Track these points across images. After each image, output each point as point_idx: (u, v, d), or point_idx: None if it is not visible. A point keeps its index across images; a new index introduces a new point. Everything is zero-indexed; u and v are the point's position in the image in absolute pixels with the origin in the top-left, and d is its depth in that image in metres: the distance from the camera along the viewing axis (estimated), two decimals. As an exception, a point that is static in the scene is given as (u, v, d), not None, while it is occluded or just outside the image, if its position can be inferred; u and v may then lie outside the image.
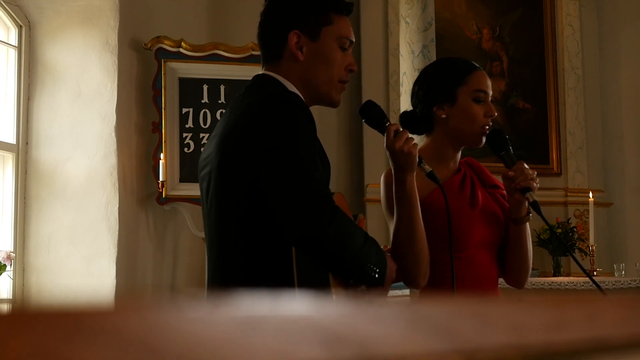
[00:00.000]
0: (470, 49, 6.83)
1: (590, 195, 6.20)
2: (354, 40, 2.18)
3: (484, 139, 2.46)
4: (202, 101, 5.65)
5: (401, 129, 2.21)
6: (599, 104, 7.22)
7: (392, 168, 2.21)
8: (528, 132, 6.99)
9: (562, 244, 6.26)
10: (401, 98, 6.03)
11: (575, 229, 6.67)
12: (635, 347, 0.53)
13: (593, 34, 7.25)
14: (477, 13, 7.01)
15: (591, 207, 6.04)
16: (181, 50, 5.62)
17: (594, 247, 5.96)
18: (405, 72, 6.03)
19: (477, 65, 2.53)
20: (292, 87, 2.07)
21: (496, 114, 2.50)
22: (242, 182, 1.95)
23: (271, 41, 2.13)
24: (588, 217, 6.29)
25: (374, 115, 2.26)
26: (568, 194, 6.94)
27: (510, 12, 7.11)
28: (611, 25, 7.25)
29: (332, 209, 1.90)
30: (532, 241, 6.79)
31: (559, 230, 6.49)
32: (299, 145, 1.93)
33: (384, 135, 2.20)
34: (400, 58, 6.07)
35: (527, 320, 0.46)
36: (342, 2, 2.15)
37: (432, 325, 0.41)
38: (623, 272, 5.96)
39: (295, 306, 0.36)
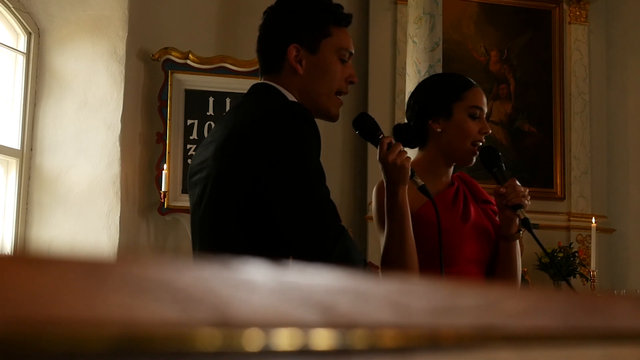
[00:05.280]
0: (478, 70, 6.84)
1: (593, 220, 6.18)
2: (353, 51, 2.16)
3: (474, 159, 2.46)
4: (208, 113, 5.67)
5: (394, 142, 2.21)
6: (605, 130, 7.21)
7: (384, 180, 2.21)
8: (533, 155, 6.99)
9: (555, 265, 6.25)
10: (407, 117, 6.04)
11: (577, 254, 6.65)
12: (534, 340, 0.52)
13: (601, 59, 7.25)
14: (485, 35, 7.03)
15: (593, 233, 6.02)
16: (188, 62, 5.66)
17: (595, 272, 5.94)
18: (411, 92, 6.04)
19: (474, 82, 2.53)
20: (292, 98, 2.06)
21: (490, 131, 2.49)
22: (242, 190, 1.91)
23: (270, 55, 2.11)
24: (590, 243, 6.27)
25: (367, 127, 2.26)
26: (571, 218, 6.92)
27: (519, 35, 7.12)
28: (619, 52, 7.26)
29: (338, 230, 1.87)
30: (533, 265, 6.72)
31: (560, 255, 6.48)
32: (306, 159, 1.90)
33: (377, 147, 2.21)
34: (407, 77, 6.08)
35: (414, 302, 0.46)
36: (341, 13, 2.14)
37: (303, 296, 0.41)
38: (624, 299, 5.93)
39: (151, 266, 0.36)
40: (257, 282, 0.40)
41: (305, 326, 0.40)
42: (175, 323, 0.36)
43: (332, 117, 2.14)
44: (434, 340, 0.45)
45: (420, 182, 2.21)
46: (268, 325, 0.39)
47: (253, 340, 0.38)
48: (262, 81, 2.12)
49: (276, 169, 1.87)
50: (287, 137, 1.89)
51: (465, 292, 0.49)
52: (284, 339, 0.39)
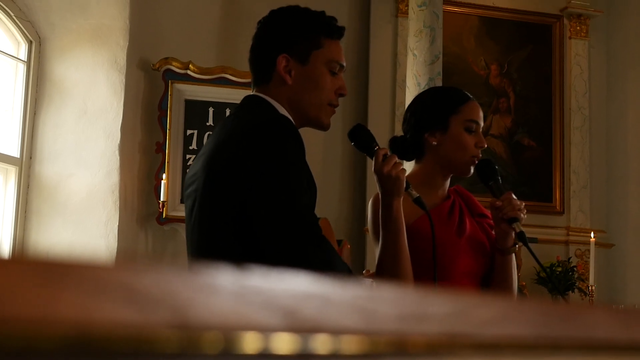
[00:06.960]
0: (478, 84, 6.85)
1: (592, 235, 6.18)
2: (344, 64, 2.16)
3: (472, 169, 2.46)
4: (207, 124, 5.68)
5: (389, 154, 2.21)
6: (605, 145, 7.22)
7: (379, 192, 2.21)
8: (532, 169, 6.99)
9: (552, 280, 6.24)
10: (406, 130, 6.04)
11: (575, 268, 6.65)
12: (504, 348, 0.52)
13: (601, 74, 7.27)
14: (485, 49, 7.04)
15: (592, 247, 6.01)
16: (189, 72, 5.67)
17: (593, 287, 5.93)
18: (410, 104, 6.04)
19: (471, 96, 2.53)
20: (282, 109, 2.06)
21: (486, 145, 2.50)
22: (228, 202, 1.92)
23: (261, 64, 2.11)
24: (589, 257, 6.26)
25: (363, 138, 2.26)
26: (570, 233, 6.92)
27: (519, 49, 7.13)
28: (619, 67, 7.27)
29: (316, 238, 1.87)
30: (532, 279, 6.70)
31: (559, 269, 6.47)
32: (288, 171, 1.91)
33: (372, 159, 2.21)
34: (407, 90, 6.09)
35: (381, 308, 0.46)
36: (334, 25, 2.14)
37: (265, 300, 0.41)
38: (622, 314, 5.92)
39: (109, 268, 0.36)
40: (219, 285, 0.40)
41: (266, 330, 0.40)
42: (131, 324, 0.36)
43: (323, 127, 2.14)
44: (401, 347, 0.45)
45: (415, 194, 2.21)
46: (228, 328, 0.39)
47: (212, 343, 0.38)
48: (253, 93, 2.12)
49: (258, 181, 1.88)
50: (270, 149, 1.89)
51: (435, 299, 0.49)
52: (244, 342, 0.39)
